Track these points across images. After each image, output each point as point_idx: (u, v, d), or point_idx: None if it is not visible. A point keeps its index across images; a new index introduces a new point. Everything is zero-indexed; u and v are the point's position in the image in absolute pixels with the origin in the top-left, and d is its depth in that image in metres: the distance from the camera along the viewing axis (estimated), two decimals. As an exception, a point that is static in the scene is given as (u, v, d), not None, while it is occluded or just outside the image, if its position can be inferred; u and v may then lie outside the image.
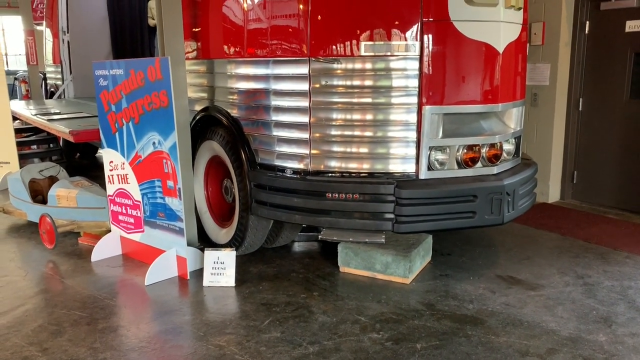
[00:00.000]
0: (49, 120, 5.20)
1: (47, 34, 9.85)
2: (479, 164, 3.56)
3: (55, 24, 9.02)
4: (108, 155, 4.26)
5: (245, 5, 3.79)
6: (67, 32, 8.44)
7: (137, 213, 4.12)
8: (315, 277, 3.85)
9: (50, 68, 9.73)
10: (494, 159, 3.60)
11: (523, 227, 4.91)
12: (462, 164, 3.49)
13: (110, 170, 4.28)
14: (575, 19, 5.41)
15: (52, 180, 5.23)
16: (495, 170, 3.58)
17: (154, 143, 3.83)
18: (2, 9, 22.74)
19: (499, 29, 3.39)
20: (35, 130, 8.16)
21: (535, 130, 5.72)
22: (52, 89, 9.41)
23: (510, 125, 3.77)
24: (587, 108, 5.55)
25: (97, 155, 9.37)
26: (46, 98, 9.89)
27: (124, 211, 4.23)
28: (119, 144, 4.14)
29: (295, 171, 3.58)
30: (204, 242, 4.31)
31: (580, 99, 5.56)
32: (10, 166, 6.93)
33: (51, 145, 8.44)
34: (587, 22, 5.40)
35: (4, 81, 6.86)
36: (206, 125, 4.28)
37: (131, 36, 8.90)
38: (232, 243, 4.11)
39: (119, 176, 4.20)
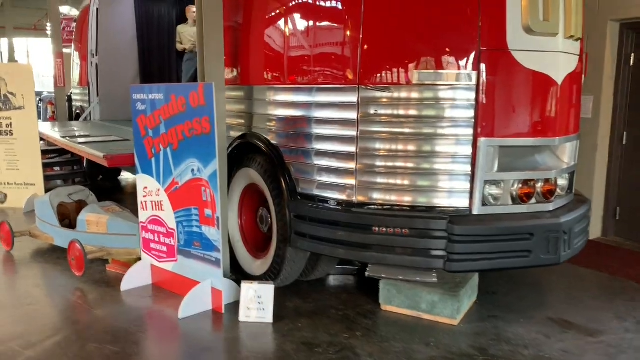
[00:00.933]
0: (80, 143, 5.12)
1: (75, 56, 9.93)
2: (533, 200, 3.38)
3: (84, 47, 9.07)
4: (142, 181, 4.15)
5: (288, 32, 3.70)
6: (96, 55, 8.46)
7: (170, 241, 3.98)
8: (356, 314, 3.66)
9: (76, 90, 9.77)
10: (548, 194, 3.42)
11: (567, 264, 4.68)
12: (517, 199, 3.31)
13: (144, 196, 4.15)
14: (620, 51, 5.27)
15: (80, 204, 5.12)
16: (550, 207, 3.40)
17: (192, 170, 3.70)
18: (28, 31, 23.22)
19: (558, 59, 3.26)
20: (60, 152, 8.12)
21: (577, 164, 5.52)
22: (77, 111, 9.42)
23: (565, 160, 3.59)
24: (631, 142, 5.36)
25: (119, 178, 9.32)
26: (71, 120, 9.90)
27: (157, 239, 4.09)
28: (155, 170, 4.02)
29: (339, 202, 3.43)
30: (236, 272, 4.15)
31: (624, 132, 5.38)
32: (36, 188, 6.88)
33: (75, 168, 8.39)
34: (632, 55, 5.25)
35: (34, 103, 6.86)
36: (243, 152, 4.16)
37: (159, 60, 8.93)
38: (268, 275, 3.94)
39: (153, 203, 4.07)
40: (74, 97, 9.96)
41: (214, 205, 3.58)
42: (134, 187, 9.08)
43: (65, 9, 15.58)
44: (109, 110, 8.58)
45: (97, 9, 8.36)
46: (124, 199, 7.72)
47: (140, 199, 4.19)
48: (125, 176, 9.49)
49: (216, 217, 3.59)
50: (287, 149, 3.71)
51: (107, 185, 8.81)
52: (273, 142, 3.82)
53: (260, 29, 3.99)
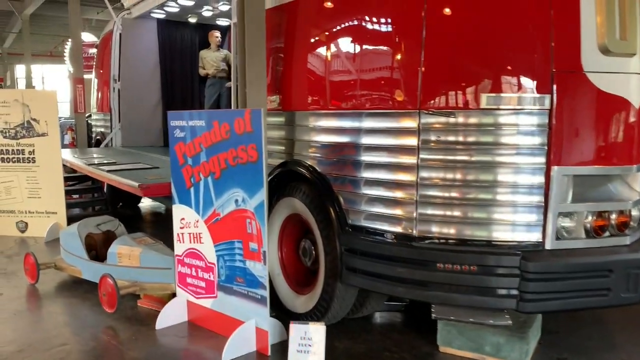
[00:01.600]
0: (109, 171, 4.92)
1: (95, 82, 9.83)
2: (606, 233, 3.11)
3: (106, 72, 8.98)
4: (179, 212, 3.92)
5: (337, 56, 3.51)
6: (118, 80, 8.34)
7: (209, 276, 3.73)
8: (412, 357, 3.37)
9: (96, 116, 9.65)
10: (622, 227, 3.15)
11: (627, 300, 4.38)
12: (591, 232, 3.05)
13: (181, 228, 3.93)
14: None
15: (108, 235, 4.90)
16: (627, 240, 3.13)
17: (236, 201, 3.48)
18: (44, 58, 23.43)
19: (636, 81, 3.03)
20: (79, 179, 7.95)
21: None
22: (98, 137, 9.28)
23: (637, 189, 3.33)
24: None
25: (139, 205, 9.13)
26: (90, 146, 9.77)
27: (194, 273, 3.84)
28: (194, 200, 3.80)
29: (397, 236, 3.18)
30: (275, 308, 3.88)
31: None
32: (57, 217, 6.69)
33: (95, 195, 8.21)
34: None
35: (57, 130, 6.71)
36: (285, 180, 3.94)
37: (181, 85, 8.81)
38: (314, 313, 3.68)
39: (191, 235, 3.84)
40: (93, 122, 9.84)
41: (260, 239, 3.35)
42: (155, 214, 8.91)
43: (83, 36, 15.63)
44: (131, 136, 8.43)
45: (120, 34, 8.28)
46: (145, 227, 7.50)
47: (176, 230, 3.97)
48: (146, 203, 9.29)
49: (262, 252, 3.35)
50: (336, 177, 3.49)
51: (127, 212, 8.60)
52: (320, 170, 3.60)
53: (304, 52, 3.81)
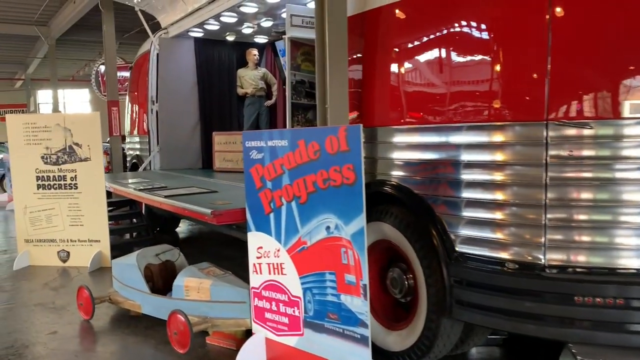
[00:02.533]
0: (167, 197, 4.60)
1: (129, 104, 9.63)
2: None
3: (142, 94, 8.77)
4: (256, 240, 3.58)
5: (435, 65, 3.17)
6: (156, 102, 8.10)
7: (294, 312, 3.37)
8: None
9: (131, 139, 9.42)
10: None
11: None
12: None
13: (258, 257, 3.58)
14: None
15: (166, 265, 4.57)
16: None
17: (328, 228, 3.12)
18: (66, 82, 23.47)
19: None
20: (116, 204, 7.67)
21: None
22: (134, 161, 9.03)
23: None
24: None
25: (177, 229, 8.83)
26: (125, 170, 9.52)
27: (275, 308, 3.48)
28: (274, 227, 3.45)
29: (521, 265, 2.80)
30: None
31: None
32: (100, 245, 6.39)
33: (134, 220, 7.92)
34: None
35: (101, 154, 6.44)
36: (371, 203, 3.58)
37: (219, 105, 8.55)
38: (413, 352, 3.29)
39: (271, 265, 3.49)
40: (128, 146, 9.61)
41: (359, 270, 2.98)
42: (192, 238, 8.59)
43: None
44: (169, 159, 8.15)
45: (158, 54, 8.05)
46: (189, 253, 7.16)
47: (252, 260, 3.62)
48: (183, 227, 8.99)
49: (362, 285, 2.98)
50: (439, 199, 3.13)
51: (166, 238, 8.28)
52: (417, 191, 3.24)
53: (390, 63, 3.48)
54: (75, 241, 6.46)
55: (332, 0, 3.46)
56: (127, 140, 9.66)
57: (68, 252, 6.48)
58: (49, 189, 6.45)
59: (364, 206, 2.92)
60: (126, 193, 5.74)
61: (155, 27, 8.50)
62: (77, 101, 25.84)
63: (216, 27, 7.56)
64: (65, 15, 12.67)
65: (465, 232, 3.00)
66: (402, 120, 3.38)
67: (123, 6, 8.76)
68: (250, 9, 6.51)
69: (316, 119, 6.00)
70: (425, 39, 3.24)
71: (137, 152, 8.90)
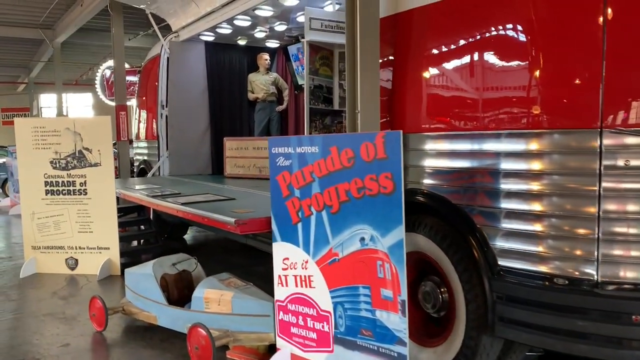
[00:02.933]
0: (184, 204, 4.44)
1: (137, 109, 9.49)
2: None
3: (151, 98, 8.63)
4: (282, 251, 3.42)
5: (475, 68, 3.03)
6: (166, 107, 7.95)
7: (323, 327, 3.20)
8: None
9: (138, 144, 9.27)
10: None
11: None
12: None
13: (284, 269, 3.42)
14: None
15: (181, 275, 4.40)
16: None
17: (362, 239, 2.96)
18: (68, 86, 23.30)
19: None
20: (123, 210, 7.50)
21: None
22: (142, 166, 8.87)
23: None
24: None
25: (184, 237, 8.66)
26: (132, 175, 9.36)
27: (302, 323, 3.32)
28: (302, 238, 3.30)
29: (573, 281, 2.64)
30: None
31: None
32: (110, 252, 6.22)
33: (142, 227, 7.74)
34: None
35: (111, 159, 6.28)
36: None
37: (230, 110, 8.40)
38: (450, 370, 3.13)
39: (298, 278, 3.33)
40: (135, 151, 9.46)
41: (397, 285, 2.82)
42: (203, 245, 8.41)
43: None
44: (179, 164, 7.99)
45: (168, 58, 7.91)
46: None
47: (277, 272, 3.46)
48: (192, 234, 8.82)
49: (400, 301, 2.82)
50: (479, 209, 2.97)
51: (174, 245, 8.11)
52: (456, 201, 3.08)
53: (424, 67, 3.34)
54: (84, 248, 6.29)
55: (363, 2, 3.31)
56: (135, 145, 9.50)
57: (76, 260, 6.31)
58: (58, 194, 6.28)
59: (403, 217, 2.76)
60: (138, 199, 5.57)
61: (163, 30, 8.37)
62: (79, 105, 25.66)
63: (228, 31, 7.43)
64: (71, 18, 12.54)
65: (509, 244, 2.84)
66: (440, 127, 3.22)
67: (128, 10, 8.64)
68: (265, 12, 6.37)
69: (333, 125, 5.88)
70: (465, 41, 3.09)
71: (145, 157, 8.75)
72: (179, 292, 4.35)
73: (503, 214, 2.86)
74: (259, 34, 7.62)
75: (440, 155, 3.22)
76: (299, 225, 3.31)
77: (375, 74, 3.37)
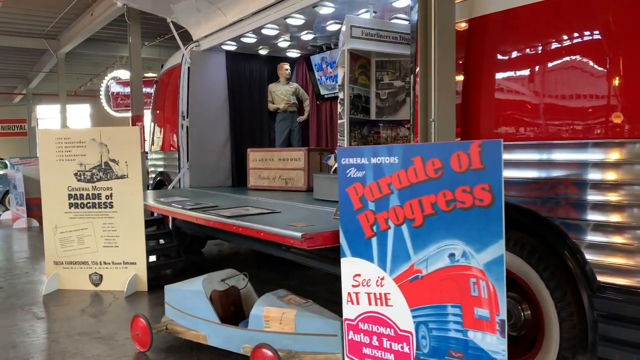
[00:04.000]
0: (229, 217, 4.25)
1: (154, 120, 9.30)
2: None
3: (168, 109, 8.46)
4: (352, 267, 3.24)
5: (574, 71, 2.89)
6: (187, 117, 7.77)
7: (402, 348, 3.03)
8: None
9: (156, 155, 9.06)
10: None
11: None
12: None
13: (354, 286, 3.24)
14: None
15: (229, 292, 4.21)
16: None
17: (452, 255, 2.80)
18: (68, 97, 23.02)
19: None
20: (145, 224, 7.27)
21: None
22: (159, 178, 8.66)
23: None
24: None
25: (202, 250, 8.45)
26: (147, 188, 9.14)
27: (376, 343, 3.14)
28: (377, 253, 3.12)
29: (685, 298, 2.49)
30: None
31: None
32: (136, 267, 6.01)
33: (161, 242, 7.51)
34: None
35: (140, 171, 6.09)
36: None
37: (250, 121, 8.25)
38: (538, 394, 2.96)
39: (372, 295, 3.15)
40: (151, 162, 9.25)
41: (495, 304, 2.65)
42: (224, 258, 8.18)
43: (119, 73, 15.25)
44: (200, 176, 7.81)
45: (189, 67, 7.75)
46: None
47: (346, 289, 3.28)
48: (210, 248, 8.61)
49: (499, 320, 2.65)
50: (573, 222, 2.82)
51: (193, 259, 7.90)
52: (543, 213, 2.94)
53: (504, 72, 3.21)
54: (109, 263, 6.07)
55: (439, 7, 3.19)
56: (149, 156, 9.29)
57: (101, 275, 6.08)
58: (82, 207, 6.07)
59: (503, 231, 2.61)
60: (172, 213, 5.37)
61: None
62: (75, 116, 25.31)
63: (253, 40, 7.29)
64: (79, 28, 12.33)
65: (609, 259, 2.69)
66: (527, 135, 3.08)
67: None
68: (296, 20, 6.24)
69: (370, 135, 5.73)
70: (552, 46, 2.97)
71: (162, 169, 8.53)
72: (223, 309, 4.15)
73: (600, 227, 2.72)
74: (283, 43, 7.49)
75: (526, 165, 3.07)
76: (374, 240, 3.14)
77: (452, 82, 3.24)
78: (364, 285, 3.21)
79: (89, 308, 5.41)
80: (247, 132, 8.16)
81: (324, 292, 5.78)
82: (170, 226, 7.49)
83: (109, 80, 15.06)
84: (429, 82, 3.26)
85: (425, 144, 3.06)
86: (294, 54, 8.25)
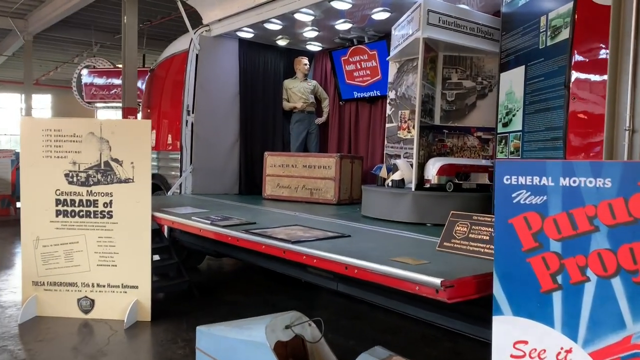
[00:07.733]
0: (303, 243, 3.24)
1: (147, 114, 8.13)
2: None
3: (165, 104, 7.35)
4: (513, 330, 2.30)
5: None
6: (192, 113, 6.68)
7: None
8: None
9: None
10: None
11: None
12: None
13: (517, 357, 2.30)
14: None
15: (291, 343, 3.20)
16: None
17: None
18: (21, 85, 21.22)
19: None
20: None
21: None
22: (152, 181, 7.48)
23: None
24: None
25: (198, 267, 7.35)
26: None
27: None
28: (561, 314, 2.20)
29: None
30: None
31: None
32: (139, 292, 4.90)
33: (159, 257, 6.33)
34: None
35: (149, 174, 4.99)
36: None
37: (262, 121, 7.21)
38: None
39: (550, 372, 2.22)
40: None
41: None
42: (231, 276, 7.06)
43: (96, 62, 13.84)
44: (204, 181, 6.74)
45: (197, 55, 6.67)
46: (231, 300, 5.72)
47: (502, 358, 2.34)
48: (206, 265, 7.51)
49: None
50: None
51: (196, 278, 6.77)
52: None
53: None
54: (104, 286, 4.92)
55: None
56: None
57: (92, 301, 4.93)
58: (73, 216, 4.91)
59: None
60: (199, 230, 4.28)
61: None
62: (36, 107, 23.47)
63: (278, 27, 6.31)
64: (54, 6, 10.88)
65: None
66: None
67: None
68: (343, 4, 5.30)
69: (434, 143, 4.81)
70: None
71: (156, 171, 7.38)
72: (281, 364, 3.14)
73: None
74: (310, 32, 6.52)
75: None
76: (556, 295, 2.21)
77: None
78: (532, 358, 2.27)
79: (82, 345, 4.27)
80: (259, 132, 7.14)
81: (368, 329, 4.83)
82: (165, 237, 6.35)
83: (81, 70, 13.65)
84: (618, 80, 2.38)
85: (623, 162, 2.16)
86: (314, 47, 7.29)
